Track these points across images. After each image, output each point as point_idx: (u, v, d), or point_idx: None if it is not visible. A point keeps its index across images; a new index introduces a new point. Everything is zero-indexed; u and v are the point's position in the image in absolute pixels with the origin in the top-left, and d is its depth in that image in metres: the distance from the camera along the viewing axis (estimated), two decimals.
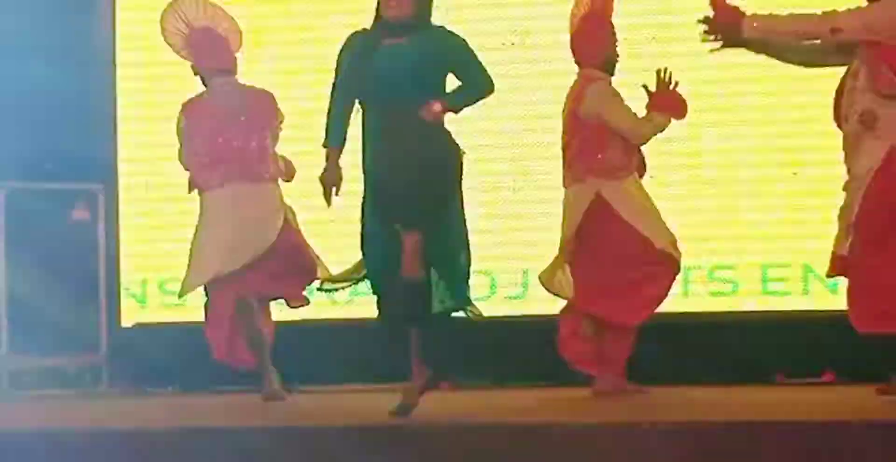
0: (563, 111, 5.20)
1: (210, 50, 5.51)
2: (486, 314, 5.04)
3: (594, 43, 5.19)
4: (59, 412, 5.18)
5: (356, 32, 4.12)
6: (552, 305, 5.54)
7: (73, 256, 6.31)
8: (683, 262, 5.50)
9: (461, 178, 4.10)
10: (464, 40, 4.10)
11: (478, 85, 4.05)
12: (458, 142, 4.11)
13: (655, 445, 3.33)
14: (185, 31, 5.57)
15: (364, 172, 4.10)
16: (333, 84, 4.15)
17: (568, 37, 5.43)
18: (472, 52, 4.08)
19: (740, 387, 5.50)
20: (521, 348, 6.05)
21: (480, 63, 4.07)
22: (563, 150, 5.19)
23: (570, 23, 5.42)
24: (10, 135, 6.39)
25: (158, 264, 6.52)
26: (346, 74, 4.12)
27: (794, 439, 3.32)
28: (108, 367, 6.37)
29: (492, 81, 4.06)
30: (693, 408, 4.68)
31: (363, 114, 4.08)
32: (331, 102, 4.16)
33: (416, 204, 3.93)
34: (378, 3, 4.03)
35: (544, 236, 5.75)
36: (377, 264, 4.08)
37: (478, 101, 4.11)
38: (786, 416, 3.86)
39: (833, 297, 5.38)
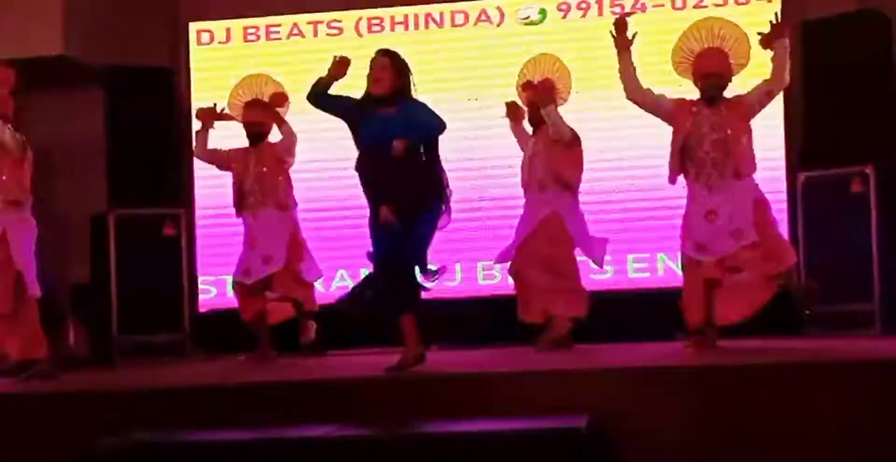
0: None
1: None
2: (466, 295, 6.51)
3: None
4: (157, 373, 5.75)
5: (360, 100, 4.64)
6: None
7: (164, 262, 6.89)
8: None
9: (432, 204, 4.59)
10: (426, 106, 4.62)
11: (429, 126, 4.53)
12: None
13: (585, 386, 3.75)
14: (240, 104, 6.07)
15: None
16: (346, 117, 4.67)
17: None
18: (426, 106, 4.61)
19: (648, 343, 5.76)
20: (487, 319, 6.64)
21: (432, 110, 4.56)
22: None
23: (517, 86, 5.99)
24: (119, 172, 7.01)
25: (222, 267, 6.96)
26: (351, 119, 4.64)
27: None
28: (189, 341, 6.99)
29: (441, 123, 4.54)
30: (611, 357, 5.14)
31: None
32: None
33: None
34: (367, 82, 4.59)
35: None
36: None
37: (429, 136, 4.55)
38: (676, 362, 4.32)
39: None
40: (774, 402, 3.67)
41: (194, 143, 6.17)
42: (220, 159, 6.16)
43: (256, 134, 5.99)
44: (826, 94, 6.55)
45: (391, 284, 4.52)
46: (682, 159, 5.11)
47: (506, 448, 3.25)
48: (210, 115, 6.01)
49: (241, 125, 6.07)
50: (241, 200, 6.00)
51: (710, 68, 5.10)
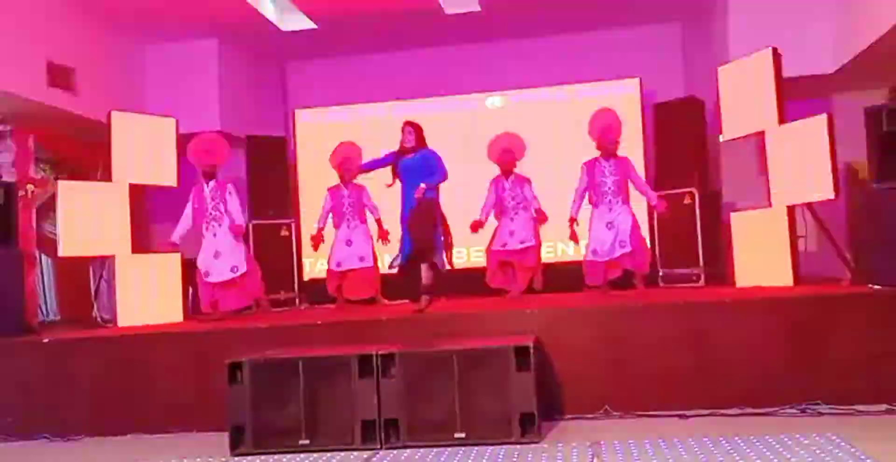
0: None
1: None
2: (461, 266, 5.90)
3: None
4: (281, 316, 5.45)
5: (397, 151, 4.59)
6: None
7: (283, 251, 6.89)
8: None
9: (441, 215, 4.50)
10: (437, 155, 4.53)
11: (440, 176, 4.48)
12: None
13: (532, 319, 3.68)
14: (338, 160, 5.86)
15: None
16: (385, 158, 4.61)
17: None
18: (437, 156, 4.52)
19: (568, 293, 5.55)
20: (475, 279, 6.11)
21: (443, 166, 4.48)
22: None
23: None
24: (255, 198, 6.84)
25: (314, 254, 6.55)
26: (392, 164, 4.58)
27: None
28: (298, 297, 6.92)
29: (446, 174, 4.49)
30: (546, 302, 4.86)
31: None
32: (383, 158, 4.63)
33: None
34: (401, 140, 4.56)
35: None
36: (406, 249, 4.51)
37: (440, 183, 4.50)
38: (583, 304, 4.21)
39: None
40: (641, 327, 3.64)
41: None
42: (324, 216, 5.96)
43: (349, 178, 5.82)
44: (668, 146, 6.62)
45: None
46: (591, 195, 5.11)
47: (486, 356, 3.21)
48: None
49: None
50: (340, 218, 5.84)
51: (613, 136, 5.12)
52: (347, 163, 5.71)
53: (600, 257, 4.96)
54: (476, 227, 5.47)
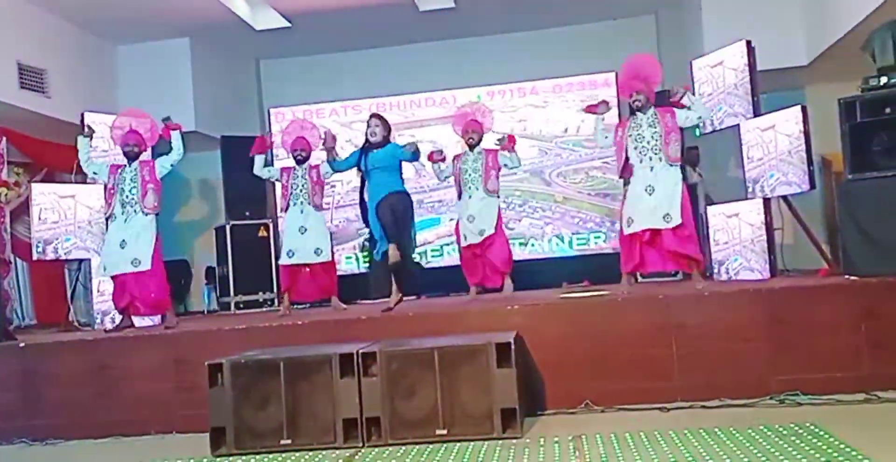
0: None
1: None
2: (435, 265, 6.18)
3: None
4: (258, 317, 5.33)
5: (363, 146, 4.48)
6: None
7: (261, 251, 6.67)
8: None
9: (412, 208, 4.45)
10: (398, 146, 4.42)
11: (409, 156, 4.37)
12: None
13: (512, 316, 3.68)
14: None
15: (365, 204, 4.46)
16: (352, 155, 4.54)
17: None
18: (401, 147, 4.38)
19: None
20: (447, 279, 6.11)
21: (405, 150, 4.33)
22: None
23: None
24: (231, 200, 6.76)
25: None
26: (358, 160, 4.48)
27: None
28: (277, 298, 6.40)
29: (416, 155, 4.35)
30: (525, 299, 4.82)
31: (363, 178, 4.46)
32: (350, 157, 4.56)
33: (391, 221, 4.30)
34: (366, 134, 4.45)
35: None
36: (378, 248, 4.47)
37: (410, 160, 4.44)
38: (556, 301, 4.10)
39: None
40: (620, 321, 3.64)
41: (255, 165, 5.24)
42: (273, 175, 5.32)
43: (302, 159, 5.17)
44: None
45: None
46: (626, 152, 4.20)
47: (467, 353, 3.20)
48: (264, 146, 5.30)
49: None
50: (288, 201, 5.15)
51: (633, 88, 4.27)
52: (301, 142, 5.16)
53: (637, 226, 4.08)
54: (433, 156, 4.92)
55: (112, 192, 4.60)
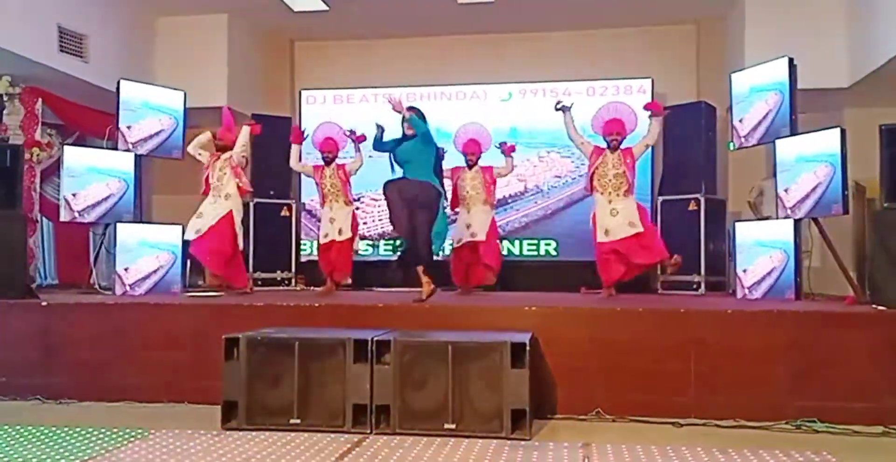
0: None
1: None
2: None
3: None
4: (278, 295, 5.43)
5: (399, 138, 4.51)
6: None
7: (282, 231, 6.77)
8: None
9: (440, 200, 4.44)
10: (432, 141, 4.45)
11: (437, 164, 4.49)
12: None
13: (529, 316, 3.61)
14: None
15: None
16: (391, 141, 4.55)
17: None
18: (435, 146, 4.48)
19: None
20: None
21: (437, 152, 4.49)
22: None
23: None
24: (258, 177, 6.44)
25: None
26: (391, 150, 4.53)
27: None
28: (295, 278, 6.80)
29: (441, 159, 4.57)
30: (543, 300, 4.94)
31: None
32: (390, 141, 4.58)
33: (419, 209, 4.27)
34: (402, 127, 4.47)
35: None
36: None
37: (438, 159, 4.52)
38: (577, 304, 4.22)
39: None
40: (639, 332, 3.56)
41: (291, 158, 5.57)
42: (307, 172, 5.65)
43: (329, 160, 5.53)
44: (676, 150, 6.52)
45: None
46: (592, 181, 5.03)
47: (482, 350, 3.15)
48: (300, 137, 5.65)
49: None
50: (324, 197, 5.54)
51: (613, 130, 5.02)
52: (329, 144, 5.51)
53: (612, 236, 4.87)
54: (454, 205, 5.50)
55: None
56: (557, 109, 5.01)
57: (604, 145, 5.04)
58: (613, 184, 4.92)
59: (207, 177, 5.23)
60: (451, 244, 5.50)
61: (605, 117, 5.07)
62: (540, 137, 7.04)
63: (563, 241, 7.00)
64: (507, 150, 5.53)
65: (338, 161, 5.50)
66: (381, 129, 4.76)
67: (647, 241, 4.86)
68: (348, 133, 5.41)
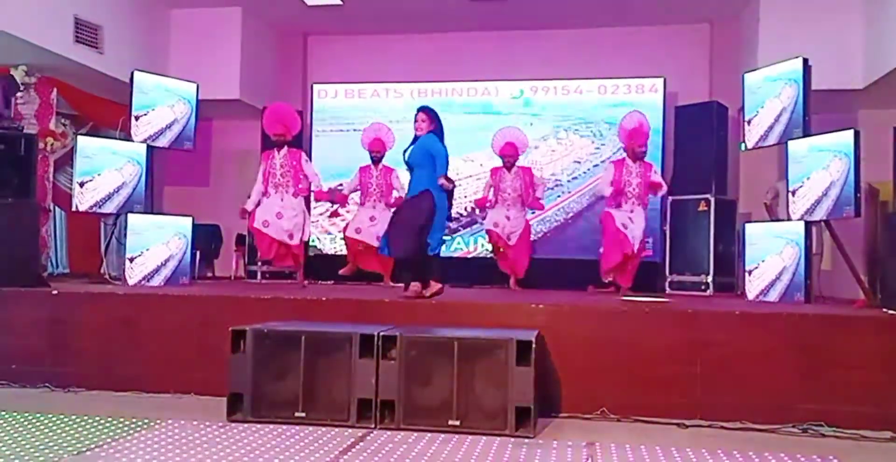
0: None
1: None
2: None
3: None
4: (282, 289, 5.46)
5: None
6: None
7: None
8: None
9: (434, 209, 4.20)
10: (436, 143, 4.24)
11: (441, 167, 4.18)
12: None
13: (535, 314, 3.55)
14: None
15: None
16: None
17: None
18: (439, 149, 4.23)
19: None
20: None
21: (442, 156, 4.19)
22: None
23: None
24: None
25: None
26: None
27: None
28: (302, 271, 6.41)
29: (446, 164, 4.19)
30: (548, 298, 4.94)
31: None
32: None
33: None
34: (415, 127, 4.29)
35: None
36: None
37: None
38: (582, 303, 4.37)
39: None
40: (646, 331, 3.53)
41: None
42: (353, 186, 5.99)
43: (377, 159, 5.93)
44: (687, 150, 6.47)
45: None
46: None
47: (487, 347, 3.13)
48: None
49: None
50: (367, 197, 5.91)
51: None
52: (377, 144, 5.82)
53: (628, 232, 5.17)
54: (482, 203, 5.89)
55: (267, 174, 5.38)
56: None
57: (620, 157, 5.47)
58: (637, 194, 5.26)
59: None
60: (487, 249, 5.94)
61: (633, 128, 5.43)
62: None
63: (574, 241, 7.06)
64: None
65: (386, 162, 5.86)
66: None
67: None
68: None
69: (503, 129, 5.95)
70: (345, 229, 5.96)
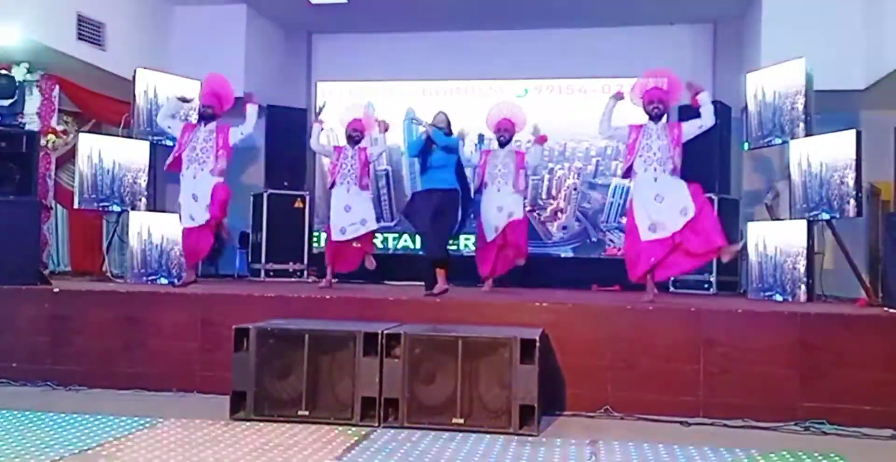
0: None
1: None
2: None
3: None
4: (288, 286, 5.45)
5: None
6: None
7: (295, 222, 6.65)
8: None
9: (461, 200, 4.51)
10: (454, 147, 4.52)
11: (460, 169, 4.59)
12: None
13: (540, 312, 3.59)
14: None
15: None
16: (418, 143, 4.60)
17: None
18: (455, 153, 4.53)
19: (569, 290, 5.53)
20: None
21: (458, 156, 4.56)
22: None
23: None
24: (271, 168, 6.75)
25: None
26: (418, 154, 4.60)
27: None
28: (307, 270, 6.69)
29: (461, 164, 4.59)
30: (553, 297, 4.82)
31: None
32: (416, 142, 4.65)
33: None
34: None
35: None
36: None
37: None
38: (587, 301, 4.02)
39: None
40: (649, 330, 3.53)
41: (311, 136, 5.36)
42: (327, 152, 5.42)
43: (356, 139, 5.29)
44: (689, 149, 6.35)
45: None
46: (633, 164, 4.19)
47: (491, 346, 3.15)
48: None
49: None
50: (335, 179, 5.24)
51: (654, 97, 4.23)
52: (357, 124, 5.29)
53: (662, 232, 3.99)
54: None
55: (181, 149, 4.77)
56: (612, 97, 4.32)
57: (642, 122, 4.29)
58: (659, 158, 4.08)
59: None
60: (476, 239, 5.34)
61: (646, 82, 4.34)
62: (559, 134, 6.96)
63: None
64: (540, 140, 5.22)
65: (362, 144, 5.31)
66: (427, 138, 4.62)
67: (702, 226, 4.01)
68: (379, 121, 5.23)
69: (500, 103, 5.42)
70: (329, 235, 5.30)
